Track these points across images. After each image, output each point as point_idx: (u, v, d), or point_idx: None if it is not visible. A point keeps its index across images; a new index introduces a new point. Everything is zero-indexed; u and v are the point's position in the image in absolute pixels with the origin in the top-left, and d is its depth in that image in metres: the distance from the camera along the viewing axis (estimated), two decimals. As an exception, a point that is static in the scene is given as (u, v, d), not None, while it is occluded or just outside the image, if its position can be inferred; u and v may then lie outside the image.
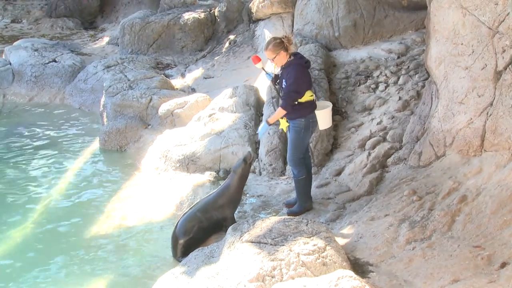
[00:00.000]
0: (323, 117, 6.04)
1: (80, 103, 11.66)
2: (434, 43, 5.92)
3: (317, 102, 6.13)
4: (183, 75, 11.91)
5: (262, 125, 6.14)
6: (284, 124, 6.13)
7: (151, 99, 9.68)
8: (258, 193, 6.98)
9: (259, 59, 6.22)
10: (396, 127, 7.18)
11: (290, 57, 5.90)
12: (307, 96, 5.91)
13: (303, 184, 6.25)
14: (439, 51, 5.84)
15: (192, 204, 6.56)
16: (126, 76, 10.81)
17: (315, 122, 6.04)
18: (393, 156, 6.76)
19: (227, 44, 12.59)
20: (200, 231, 5.87)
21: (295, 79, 5.81)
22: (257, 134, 6.58)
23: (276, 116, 6.00)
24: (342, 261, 4.47)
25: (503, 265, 4.13)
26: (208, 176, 7.49)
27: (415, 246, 4.74)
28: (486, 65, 5.27)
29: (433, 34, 5.91)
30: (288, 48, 5.84)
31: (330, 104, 6.12)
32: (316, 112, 6.00)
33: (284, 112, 5.90)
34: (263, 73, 6.40)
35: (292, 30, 10.57)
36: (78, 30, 17.35)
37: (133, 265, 5.89)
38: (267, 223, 4.93)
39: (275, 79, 6.18)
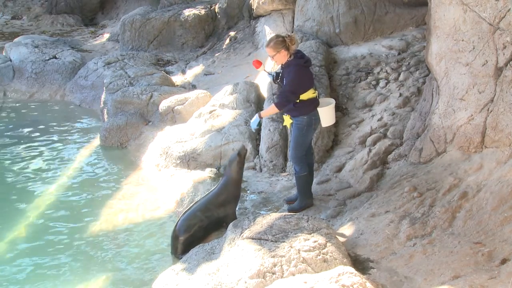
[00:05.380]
0: (326, 115, 6.03)
1: (81, 99, 11.67)
2: (435, 40, 5.91)
3: (320, 99, 6.12)
4: (183, 72, 11.91)
5: (255, 118, 6.12)
6: (288, 121, 6.14)
7: (151, 96, 9.69)
8: (258, 190, 6.99)
9: (260, 63, 6.25)
10: (396, 124, 7.18)
11: (290, 56, 5.89)
12: (310, 94, 5.91)
13: (305, 181, 6.25)
14: (440, 48, 5.83)
15: (193, 201, 6.57)
16: (126, 72, 10.81)
17: (317, 119, 6.03)
18: (393, 152, 6.76)
19: (227, 41, 12.59)
20: (201, 230, 5.88)
21: (292, 80, 5.82)
22: (250, 126, 6.47)
23: (268, 112, 6.13)
24: (342, 257, 4.47)
25: (504, 261, 4.13)
26: (209, 172, 7.49)
27: (415, 243, 4.74)
28: (486, 62, 5.26)
29: (434, 30, 5.90)
30: (289, 47, 5.84)
31: (333, 101, 6.12)
32: (319, 109, 5.99)
33: (276, 110, 5.99)
34: (264, 72, 6.42)
35: (293, 27, 10.56)
36: (79, 27, 17.36)
37: (134, 261, 5.90)
38: (267, 219, 4.94)
39: (277, 78, 6.18)
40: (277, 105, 5.93)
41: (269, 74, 6.30)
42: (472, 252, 4.37)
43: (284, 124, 6.34)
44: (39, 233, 6.60)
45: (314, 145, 7.19)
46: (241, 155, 6.12)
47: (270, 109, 6.12)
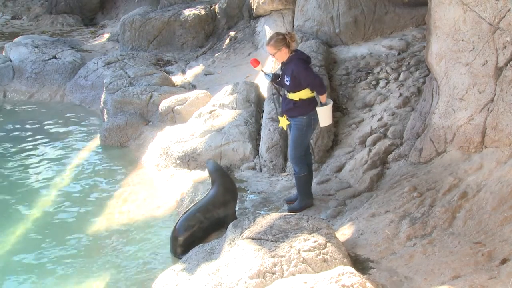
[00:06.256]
0: (324, 114, 6.03)
1: (81, 99, 11.66)
2: (435, 39, 5.91)
3: (318, 99, 6.12)
4: (183, 72, 11.91)
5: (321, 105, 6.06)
6: (284, 123, 6.13)
7: (151, 96, 9.68)
8: (258, 190, 6.98)
9: (257, 62, 6.23)
10: (396, 124, 7.18)
11: (291, 53, 5.90)
12: (308, 93, 5.91)
13: (304, 181, 6.25)
14: (440, 47, 5.83)
15: (193, 201, 6.57)
16: (126, 72, 10.81)
17: (316, 119, 6.03)
18: (393, 152, 6.76)
19: (227, 41, 12.59)
20: (200, 230, 5.87)
21: (305, 69, 5.84)
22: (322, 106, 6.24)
23: (323, 98, 6.00)
24: (342, 257, 4.47)
25: (504, 261, 4.13)
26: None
27: (415, 243, 4.74)
28: (486, 61, 5.26)
29: (434, 30, 5.90)
30: (290, 45, 5.84)
31: (330, 101, 6.12)
32: (317, 109, 5.99)
33: (324, 96, 5.95)
34: (262, 72, 6.40)
35: (293, 27, 10.56)
36: (79, 27, 17.36)
37: (134, 261, 5.89)
38: (267, 219, 4.93)
39: (275, 79, 6.18)
40: (324, 93, 5.92)
41: (266, 74, 6.28)
42: (472, 252, 4.37)
43: (280, 125, 6.32)
44: (38, 233, 6.60)
45: (314, 145, 7.20)
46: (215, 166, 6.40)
47: (322, 98, 6.00)
